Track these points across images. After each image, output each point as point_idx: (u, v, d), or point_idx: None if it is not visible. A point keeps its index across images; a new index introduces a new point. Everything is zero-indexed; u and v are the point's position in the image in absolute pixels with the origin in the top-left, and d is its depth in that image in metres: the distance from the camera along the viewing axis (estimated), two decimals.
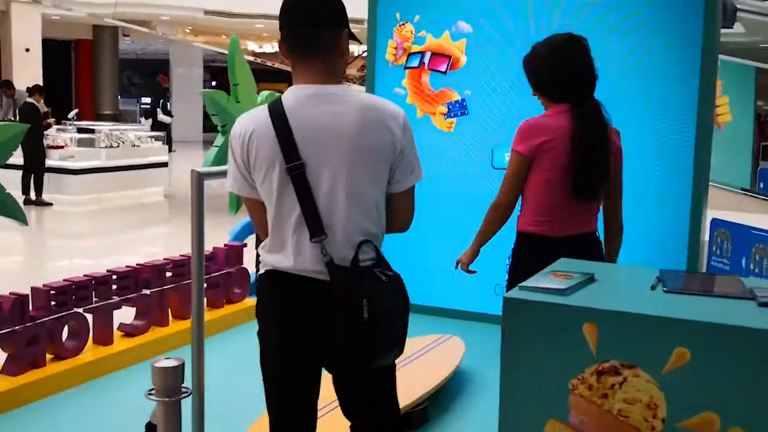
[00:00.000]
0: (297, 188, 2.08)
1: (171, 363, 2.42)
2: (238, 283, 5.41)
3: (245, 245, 5.53)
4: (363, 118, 2.10)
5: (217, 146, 5.14)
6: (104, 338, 4.38)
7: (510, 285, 2.77)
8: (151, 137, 13.15)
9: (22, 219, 3.87)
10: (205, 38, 21.34)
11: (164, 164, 13.02)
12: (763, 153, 11.76)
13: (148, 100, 27.78)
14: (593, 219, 2.88)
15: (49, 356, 4.06)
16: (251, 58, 28.34)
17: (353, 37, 2.21)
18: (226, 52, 20.26)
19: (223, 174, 2.97)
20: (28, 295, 3.95)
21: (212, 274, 5.13)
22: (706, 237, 4.90)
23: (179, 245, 9.26)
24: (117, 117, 22.89)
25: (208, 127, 27.33)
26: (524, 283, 1.85)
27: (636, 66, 4.91)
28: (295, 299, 2.14)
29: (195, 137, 25.46)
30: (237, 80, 5.28)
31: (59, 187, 11.40)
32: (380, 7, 5.54)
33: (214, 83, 31.80)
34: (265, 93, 5.64)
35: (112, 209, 11.23)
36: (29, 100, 10.78)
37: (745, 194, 11.05)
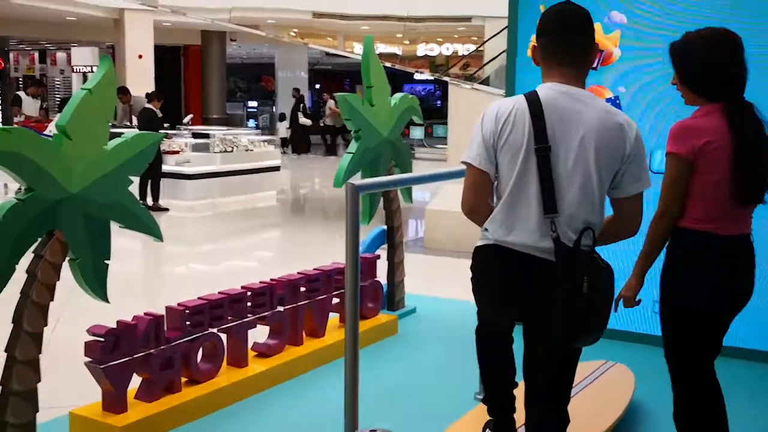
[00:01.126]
0: (540, 168, 2.41)
1: None
2: (372, 297, 5.08)
3: (378, 257, 5.20)
4: (605, 119, 2.45)
5: (351, 152, 4.81)
6: (238, 360, 4.11)
7: (672, 285, 2.77)
8: (264, 141, 13.08)
9: (157, 234, 3.63)
10: (312, 40, 21.32)
11: (277, 168, 12.93)
12: None
13: (254, 103, 28.08)
14: (750, 220, 2.83)
15: (183, 379, 3.82)
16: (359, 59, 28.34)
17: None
18: (333, 51, 20.10)
19: (379, 186, 2.96)
20: (162, 315, 3.71)
21: (344, 289, 4.81)
22: None
23: (292, 250, 9.18)
24: (225, 121, 23.17)
25: (313, 129, 27.49)
26: None
27: None
28: (515, 271, 2.48)
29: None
30: (371, 82, 4.95)
31: (175, 192, 11.44)
32: (522, 0, 5.10)
33: (317, 86, 31.98)
34: (398, 95, 5.29)
35: (226, 214, 11.18)
36: (148, 105, 10.82)
37: None
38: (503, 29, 13.80)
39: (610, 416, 3.38)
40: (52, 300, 3.16)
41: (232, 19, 16.22)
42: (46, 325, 3.13)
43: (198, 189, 11.59)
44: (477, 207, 2.54)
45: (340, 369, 3.23)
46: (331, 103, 14.78)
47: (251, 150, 12.33)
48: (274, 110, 27.39)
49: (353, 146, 4.91)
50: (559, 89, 2.47)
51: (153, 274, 7.94)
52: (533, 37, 5.09)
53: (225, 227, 10.45)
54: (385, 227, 5.47)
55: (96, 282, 3.34)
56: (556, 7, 2.59)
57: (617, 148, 2.43)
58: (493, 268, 2.56)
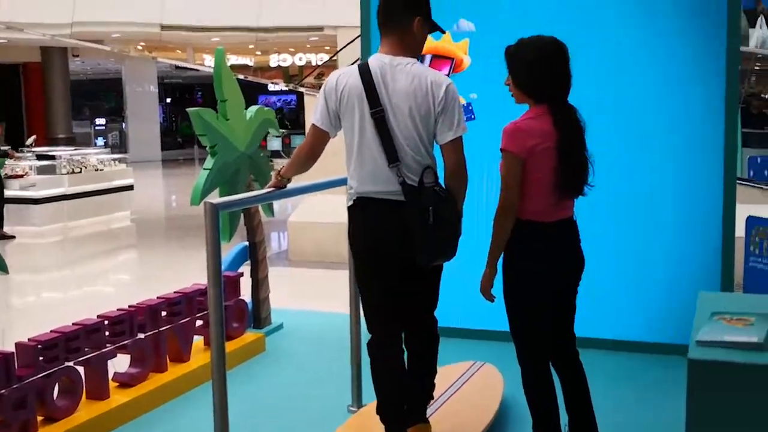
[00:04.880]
0: (378, 127, 2.93)
1: None
2: (236, 317, 4.96)
3: (241, 274, 5.09)
4: (419, 80, 2.95)
5: (208, 168, 4.69)
6: (99, 392, 3.91)
7: (515, 273, 3.03)
8: (114, 160, 12.60)
9: (1, 267, 3.39)
10: (160, 53, 20.73)
11: (130, 187, 12.47)
12: (744, 140, 11.59)
13: (102, 121, 27.01)
14: (572, 205, 3.14)
15: (39, 418, 3.58)
16: (210, 71, 27.74)
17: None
18: (182, 64, 19.58)
19: (240, 203, 2.99)
20: (12, 352, 3.47)
21: (207, 310, 4.67)
22: (741, 235, 4.62)
23: (150, 273, 8.84)
24: (72, 140, 22.14)
25: (165, 145, 26.77)
26: (703, 337, 1.46)
27: (657, 68, 4.63)
28: (379, 214, 2.98)
29: (153, 156, 24.77)
30: (225, 96, 4.84)
31: (21, 219, 10.79)
32: (374, 9, 5.13)
33: (168, 100, 31.16)
34: (254, 108, 5.19)
35: (78, 238, 10.66)
36: None
37: (739, 183, 10.79)
38: (356, 38, 13.90)
39: (482, 419, 3.44)
40: None
41: (74, 35, 15.52)
42: None
43: (46, 213, 10.98)
44: (315, 156, 3.19)
45: (208, 393, 3.14)
46: None
47: (101, 170, 11.82)
48: (123, 127, 26.45)
49: (209, 162, 4.78)
50: (382, 59, 2.99)
51: (2, 306, 7.46)
52: None
53: (78, 252, 9.96)
54: (247, 243, 5.36)
55: None
56: None
57: (428, 104, 2.93)
58: (364, 217, 3.01)
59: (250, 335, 5.02)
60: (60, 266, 9.22)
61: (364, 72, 2.96)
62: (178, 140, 29.52)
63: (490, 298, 3.08)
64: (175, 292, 4.52)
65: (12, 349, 3.51)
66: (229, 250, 5.35)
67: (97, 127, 26.73)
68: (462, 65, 5.00)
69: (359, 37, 5.37)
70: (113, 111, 28.21)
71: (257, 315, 5.32)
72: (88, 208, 11.18)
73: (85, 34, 16.00)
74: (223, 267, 5.33)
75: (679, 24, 4.61)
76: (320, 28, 20.10)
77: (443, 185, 3.01)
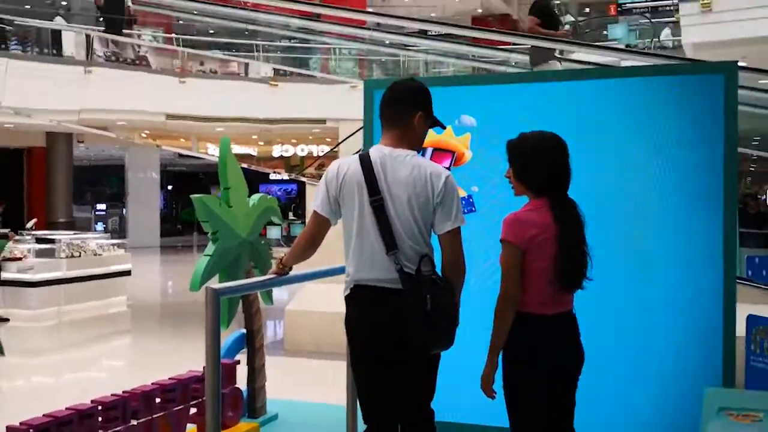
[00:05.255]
0: (377, 215, 2.98)
1: None
2: (232, 406, 4.88)
3: (238, 362, 5.04)
4: (417, 172, 3.03)
5: (208, 255, 4.70)
6: None
7: (514, 366, 3.04)
8: (113, 245, 12.64)
9: None
10: (164, 141, 21.04)
11: (127, 273, 12.47)
12: (741, 240, 11.68)
13: (103, 206, 27.18)
14: (572, 299, 3.17)
15: None
16: (213, 159, 28.11)
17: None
18: (187, 152, 19.86)
19: (241, 289, 3.01)
20: None
21: (203, 398, 4.60)
22: (742, 334, 4.59)
23: (144, 359, 8.74)
24: (71, 225, 22.23)
25: (165, 231, 26.87)
26: None
27: (656, 168, 4.71)
28: (376, 301, 3.01)
29: (152, 242, 24.81)
30: (228, 184, 4.90)
31: (17, 301, 10.74)
32: (376, 103, 5.24)
33: (170, 187, 31.43)
34: (256, 196, 5.25)
35: (74, 322, 10.58)
36: None
37: (738, 282, 10.77)
38: (357, 131, 14.17)
39: None
40: None
41: (81, 121, 15.81)
42: None
43: (42, 297, 10.93)
44: (316, 244, 3.23)
45: None
46: None
47: (100, 254, 11.84)
48: (124, 212, 26.62)
49: (210, 248, 4.80)
50: (383, 150, 3.09)
51: None
52: None
53: (72, 336, 9.88)
54: (244, 331, 5.32)
55: None
56: (392, 85, 3.25)
57: (427, 194, 3.01)
58: (361, 305, 3.04)
59: (244, 425, 4.93)
60: (53, 350, 9.12)
61: (365, 161, 3.07)
62: (177, 227, 29.69)
63: (491, 394, 3.08)
64: (169, 379, 4.46)
65: None
66: (227, 337, 5.31)
67: (97, 212, 26.91)
68: (463, 159, 5.08)
69: (361, 130, 5.48)
70: (114, 196, 28.46)
71: (252, 404, 5.24)
72: (85, 293, 11.14)
73: (91, 121, 16.31)
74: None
75: (679, 126, 4.70)
76: (323, 121, 20.53)
77: (440, 275, 3.03)
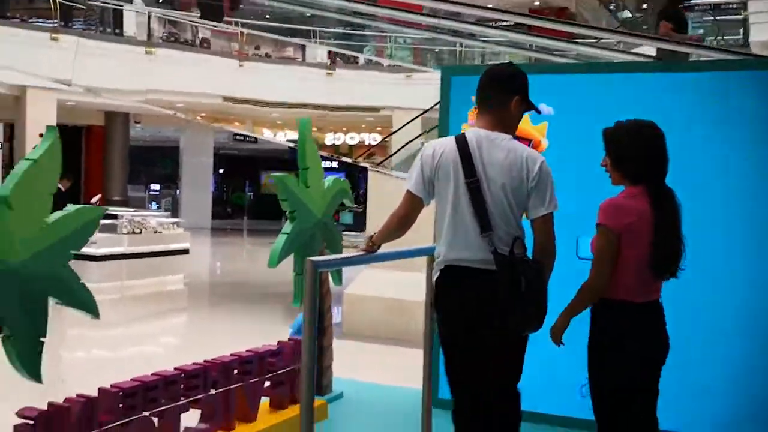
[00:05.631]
0: (472, 196, 3.01)
1: None
2: None
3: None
4: (513, 156, 3.08)
5: (285, 233, 4.78)
6: None
7: (601, 353, 3.09)
8: (172, 224, 12.87)
9: (95, 312, 3.49)
10: (223, 123, 21.34)
11: (185, 251, 12.69)
12: None
13: (157, 186, 27.64)
14: (660, 287, 3.19)
15: None
16: (265, 145, 28.36)
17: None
18: (248, 133, 20.06)
19: (339, 263, 3.03)
20: (96, 398, 3.52)
21: (279, 371, 4.70)
22: None
23: (199, 335, 8.90)
24: (125, 203, 22.66)
25: (216, 214, 27.22)
26: None
27: (734, 162, 4.66)
28: (469, 283, 3.03)
29: (204, 224, 25.13)
30: (307, 164, 4.97)
31: (80, 274, 10.99)
32: (453, 91, 5.28)
33: (221, 170, 31.81)
34: (331, 178, 5.32)
35: (135, 297, 10.80)
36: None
37: None
38: (412, 119, 14.24)
39: None
40: None
41: (147, 101, 16.10)
42: None
43: (104, 271, 11.18)
44: (409, 223, 3.24)
45: None
46: None
47: (160, 232, 12.07)
48: (177, 193, 27.02)
49: (288, 227, 4.88)
50: (479, 133, 3.12)
51: (54, 358, 7.55)
52: (465, 125, 5.28)
53: (133, 311, 10.10)
54: None
55: (29, 361, 3.17)
56: (490, 68, 3.30)
57: (522, 178, 3.04)
58: (453, 285, 3.06)
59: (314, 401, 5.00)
60: (114, 324, 9.33)
61: (461, 143, 3.09)
62: (227, 210, 30.04)
63: (559, 342, 3.16)
64: (246, 351, 4.55)
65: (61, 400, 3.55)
66: (296, 316, 5.40)
67: (151, 192, 27.34)
68: (540, 147, 5.08)
69: (416, 119, 5.53)
70: (168, 177, 28.91)
71: (319, 382, 5.32)
72: (145, 269, 11.37)
73: (155, 102, 16.59)
74: (291, 331, 5.40)
75: (755, 124, 4.63)
76: (377, 109, 20.61)
77: (530, 258, 3.06)
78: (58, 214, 3.28)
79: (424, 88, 14.92)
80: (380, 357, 7.45)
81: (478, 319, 3.01)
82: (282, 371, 4.74)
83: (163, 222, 12.69)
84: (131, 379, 3.79)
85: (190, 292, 11.99)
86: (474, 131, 3.16)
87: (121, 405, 3.62)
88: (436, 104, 13.87)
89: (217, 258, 17.71)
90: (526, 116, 5.08)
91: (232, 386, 4.33)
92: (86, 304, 3.45)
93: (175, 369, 4.07)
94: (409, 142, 13.10)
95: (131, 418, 3.65)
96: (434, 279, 3.17)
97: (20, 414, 3.22)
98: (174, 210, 24.82)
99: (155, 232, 12.01)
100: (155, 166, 30.17)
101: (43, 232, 3.18)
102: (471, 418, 3.07)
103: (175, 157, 27.36)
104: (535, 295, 2.96)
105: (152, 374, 3.91)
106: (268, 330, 9.12)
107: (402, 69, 19.79)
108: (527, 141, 5.11)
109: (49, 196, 3.24)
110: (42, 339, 3.22)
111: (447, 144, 3.14)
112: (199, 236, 21.95)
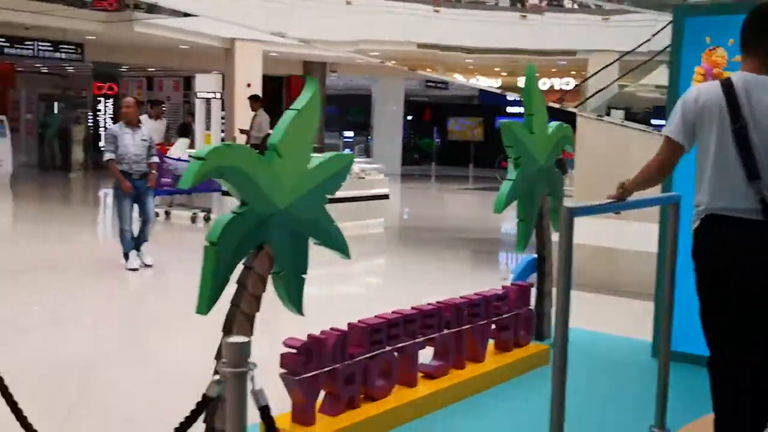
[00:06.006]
0: (739, 142, 2.92)
1: None
2: (525, 326, 5.05)
3: (533, 285, 5.19)
4: None
5: (511, 179, 4.84)
6: (409, 380, 4.15)
7: None
8: (374, 169, 13.28)
9: (347, 253, 3.73)
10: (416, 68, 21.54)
11: (386, 196, 13.07)
12: None
13: (350, 134, 28.47)
14: None
15: (361, 396, 3.87)
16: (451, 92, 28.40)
17: None
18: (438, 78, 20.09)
19: (593, 210, 3.04)
20: (347, 331, 3.78)
21: (504, 315, 4.82)
22: None
23: (397, 277, 9.18)
24: (321, 149, 23.49)
25: (406, 160, 27.70)
26: None
27: None
28: (733, 232, 2.97)
29: (394, 170, 25.66)
30: (532, 110, 4.99)
31: None
32: (687, 31, 5.07)
33: (409, 118, 32.25)
34: (554, 124, 5.30)
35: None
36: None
37: None
38: (609, 64, 13.71)
39: None
40: (258, 311, 3.27)
41: (357, 51, 16.52)
42: (252, 334, 3.23)
43: None
44: (668, 170, 3.23)
45: (502, 394, 3.16)
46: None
47: (363, 178, 12.49)
48: (369, 141, 27.73)
49: (513, 173, 4.94)
50: (746, 77, 3.00)
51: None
52: (698, 68, 5.06)
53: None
54: (536, 255, 5.45)
55: (296, 295, 3.45)
56: (757, 7, 3.08)
57: None
58: (716, 235, 3.00)
59: (535, 345, 5.10)
60: (318, 264, 9.80)
61: (727, 86, 2.99)
62: (414, 156, 30.46)
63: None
64: (475, 294, 4.69)
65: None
66: (519, 261, 5.48)
67: (345, 139, 28.22)
68: None
69: (612, 64, 5.34)
70: (359, 125, 29.68)
71: (540, 327, 5.39)
72: (348, 212, 11.82)
73: (359, 51, 16.99)
74: (512, 277, 5.49)
75: None
76: (573, 53, 20.01)
77: None
78: (316, 160, 3.50)
79: (623, 29, 14.30)
80: (596, 306, 7.36)
81: (742, 269, 2.94)
82: (507, 315, 4.85)
83: (366, 168, 13.09)
84: (375, 316, 4.03)
85: (387, 235, 12.41)
86: (740, 75, 3.03)
87: (368, 340, 3.86)
88: (640, 46, 13.22)
89: (409, 203, 18.12)
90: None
91: (463, 327, 4.49)
92: (339, 244, 3.69)
93: (413, 308, 4.27)
94: (607, 86, 12.65)
95: (377, 352, 3.90)
96: (694, 228, 3.11)
97: (286, 344, 3.52)
98: (367, 157, 25.50)
99: (359, 177, 12.43)
100: (348, 113, 31.04)
101: (306, 177, 3.42)
102: (732, 368, 3.01)
103: (367, 105, 28.01)
104: None
105: (393, 312, 4.13)
106: (462, 273, 9.30)
107: (598, 11, 19.01)
108: None
109: (310, 144, 3.46)
110: (304, 275, 3.48)
111: (711, 88, 3.04)
112: (391, 182, 22.50)
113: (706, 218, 3.03)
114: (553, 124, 5.33)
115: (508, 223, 12.45)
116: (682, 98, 3.13)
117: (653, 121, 13.92)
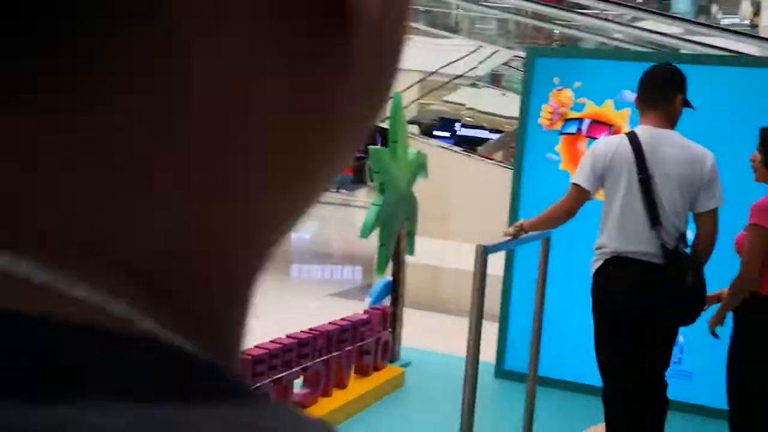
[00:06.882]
0: (644, 192, 3.20)
1: None
2: (384, 350, 5.12)
3: (389, 308, 5.27)
4: (685, 152, 3.24)
5: (378, 204, 4.90)
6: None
7: (746, 352, 3.25)
8: None
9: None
10: None
11: None
12: None
13: None
14: None
15: None
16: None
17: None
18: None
19: (507, 246, 3.11)
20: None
21: (367, 340, 4.86)
22: None
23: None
24: None
25: None
26: None
27: None
28: (632, 272, 3.22)
29: None
30: (397, 138, 5.08)
31: None
32: (537, 70, 5.38)
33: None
34: (413, 150, 5.42)
35: None
36: None
37: None
38: (414, 84, 14.07)
39: None
40: None
41: None
42: None
43: None
44: (571, 215, 3.42)
45: (362, 422, 3.11)
46: None
47: None
48: None
49: (379, 198, 4.99)
50: (651, 131, 3.26)
51: None
52: (545, 106, 5.40)
53: None
54: (391, 279, 5.54)
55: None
56: (659, 66, 3.43)
57: (695, 175, 3.21)
58: (618, 275, 3.24)
59: (392, 368, 5.17)
60: None
61: (634, 140, 3.26)
62: None
63: (715, 334, 3.37)
64: (342, 319, 4.69)
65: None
66: (374, 285, 5.54)
67: None
68: (620, 133, 5.22)
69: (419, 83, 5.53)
70: None
71: (393, 349, 5.47)
72: None
73: None
74: (371, 300, 5.54)
75: None
76: None
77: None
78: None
79: (424, 50, 14.87)
80: (437, 324, 7.43)
81: (641, 308, 3.19)
82: (369, 339, 4.90)
83: None
84: (255, 346, 3.92)
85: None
86: (645, 129, 3.30)
87: (251, 371, 3.75)
88: (440, 68, 13.73)
89: None
90: (610, 101, 5.26)
91: (333, 354, 4.48)
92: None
93: (288, 336, 4.20)
94: (407, 105, 13.05)
95: (258, 384, 3.79)
96: (595, 267, 3.34)
97: None
98: None
99: None
100: None
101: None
102: (623, 402, 3.25)
103: None
104: (700, 288, 3.18)
105: (270, 341, 4.04)
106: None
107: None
108: (608, 126, 5.27)
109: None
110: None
111: (620, 141, 3.32)
112: None
113: (610, 259, 3.27)
114: (412, 151, 5.45)
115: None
116: (592, 150, 3.41)
117: (435, 132, 14.35)
